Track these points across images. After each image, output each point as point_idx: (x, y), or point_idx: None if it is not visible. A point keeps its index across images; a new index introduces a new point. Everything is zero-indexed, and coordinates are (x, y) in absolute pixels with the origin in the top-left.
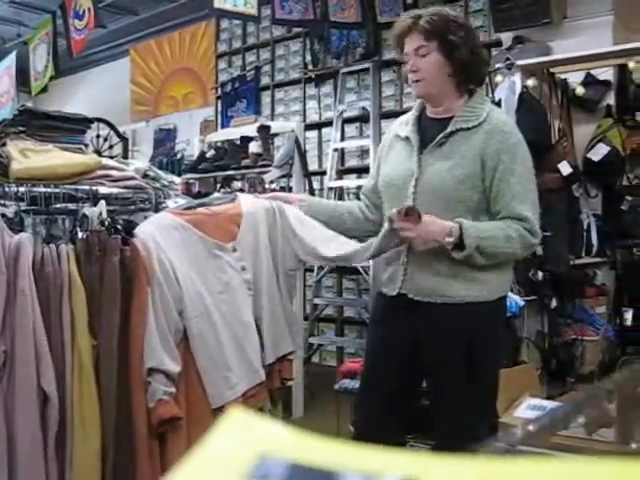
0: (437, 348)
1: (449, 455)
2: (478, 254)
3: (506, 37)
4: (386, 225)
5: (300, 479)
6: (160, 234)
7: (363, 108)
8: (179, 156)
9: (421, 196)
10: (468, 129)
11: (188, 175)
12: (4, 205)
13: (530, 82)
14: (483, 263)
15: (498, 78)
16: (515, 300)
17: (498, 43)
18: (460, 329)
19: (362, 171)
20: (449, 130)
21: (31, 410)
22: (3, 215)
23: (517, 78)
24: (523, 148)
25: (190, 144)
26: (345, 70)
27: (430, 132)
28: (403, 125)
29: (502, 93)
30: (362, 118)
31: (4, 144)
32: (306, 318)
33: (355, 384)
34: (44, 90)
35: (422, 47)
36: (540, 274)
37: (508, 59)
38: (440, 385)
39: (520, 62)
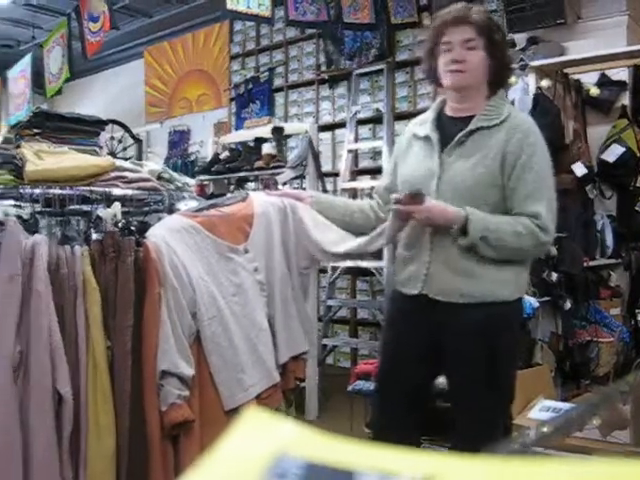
0: (457, 349)
1: (465, 455)
2: (484, 244)
3: (520, 38)
4: (393, 206)
5: (318, 478)
6: (172, 237)
7: (377, 109)
8: (193, 158)
9: (443, 195)
10: (489, 127)
11: (202, 177)
12: (19, 207)
13: (544, 83)
14: (492, 255)
15: (512, 79)
16: (529, 301)
17: (512, 44)
18: (480, 330)
19: (376, 172)
20: (470, 128)
21: (46, 410)
22: (19, 217)
23: (531, 79)
24: (542, 147)
25: (204, 146)
26: (359, 71)
27: (450, 131)
28: (421, 124)
29: (515, 94)
30: (376, 119)
31: (19, 146)
32: (320, 319)
33: (369, 386)
34: (59, 92)
35: (472, 40)
36: (554, 275)
37: (522, 60)
38: (460, 386)
39: (534, 63)
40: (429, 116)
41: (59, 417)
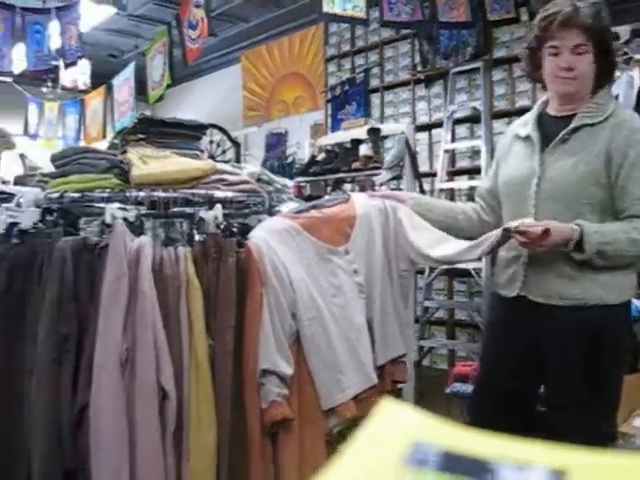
0: (557, 352)
1: (596, 451)
2: (599, 258)
3: (623, 31)
4: (501, 231)
5: (454, 466)
6: (273, 238)
7: (474, 108)
8: (290, 160)
9: (543, 195)
10: (593, 125)
11: (299, 178)
12: (125, 209)
13: None
14: (605, 265)
15: (616, 73)
16: (635, 304)
17: (615, 36)
18: (582, 333)
19: (473, 172)
20: (573, 126)
21: (151, 406)
22: (125, 219)
23: (636, 73)
24: None
25: (301, 147)
26: (455, 70)
27: (552, 130)
28: (522, 125)
29: (619, 88)
30: (473, 118)
31: (125, 151)
32: (417, 321)
33: (467, 388)
34: (160, 99)
35: (581, 45)
36: None
37: (626, 53)
38: (559, 392)
39: (638, 56)
40: (531, 116)
41: (163, 413)
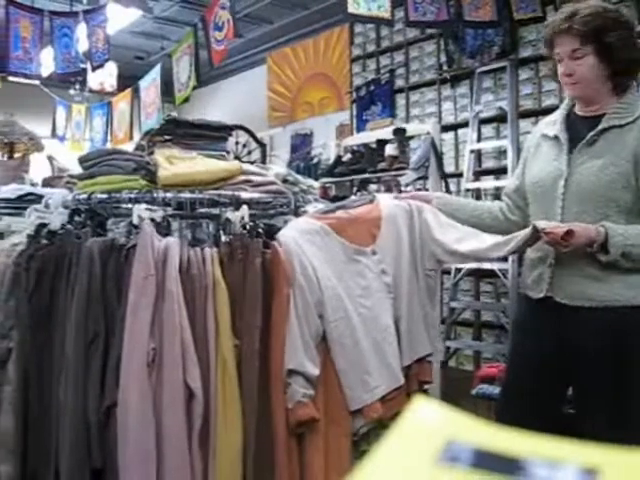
0: (584, 355)
1: (630, 449)
2: (624, 260)
3: None
4: (531, 230)
5: (487, 464)
6: (303, 238)
7: (500, 108)
8: (315, 160)
9: (570, 196)
10: (621, 126)
11: (325, 179)
12: (152, 210)
13: None
14: (632, 267)
15: None
16: None
17: None
18: (610, 335)
19: (500, 172)
20: (601, 127)
21: (178, 405)
22: (152, 220)
23: None
24: None
25: (326, 148)
26: (481, 70)
27: (580, 130)
28: (550, 124)
29: None
30: (499, 118)
31: (152, 152)
32: (443, 321)
33: (493, 389)
34: (186, 100)
35: (577, 50)
36: None
37: None
38: (587, 394)
39: None
40: (559, 115)
41: (190, 412)
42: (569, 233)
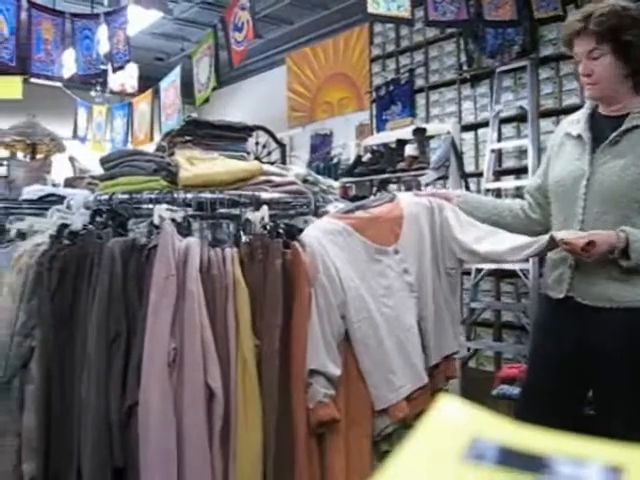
0: (605, 356)
1: None
2: None
3: None
4: (548, 239)
5: (512, 462)
6: (326, 238)
7: (520, 107)
8: (335, 160)
9: (592, 196)
10: None
11: (345, 179)
12: (173, 210)
13: None
14: None
15: None
16: None
17: None
18: (630, 336)
19: (520, 172)
20: (625, 127)
21: (198, 405)
22: (173, 220)
23: None
24: None
25: (346, 148)
26: (501, 69)
27: (604, 130)
28: (574, 123)
29: None
30: (520, 117)
31: (173, 153)
32: (463, 322)
33: (513, 390)
34: (206, 101)
35: (594, 50)
36: None
37: None
38: (608, 395)
39: None
40: (583, 114)
41: (210, 411)
42: (590, 244)
